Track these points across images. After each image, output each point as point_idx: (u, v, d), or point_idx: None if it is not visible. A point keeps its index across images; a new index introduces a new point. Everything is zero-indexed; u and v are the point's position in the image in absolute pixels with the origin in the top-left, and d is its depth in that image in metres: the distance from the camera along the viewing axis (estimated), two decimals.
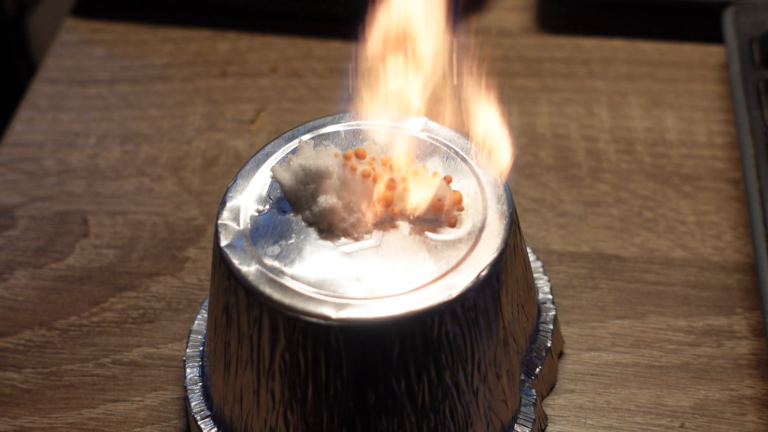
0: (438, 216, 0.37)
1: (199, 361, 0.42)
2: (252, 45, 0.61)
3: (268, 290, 0.35)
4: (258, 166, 0.39)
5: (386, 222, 0.37)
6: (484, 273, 0.35)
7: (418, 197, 0.36)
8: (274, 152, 0.40)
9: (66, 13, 0.64)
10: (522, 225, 0.48)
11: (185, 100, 0.57)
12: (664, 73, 0.57)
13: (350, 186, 0.36)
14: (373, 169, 0.37)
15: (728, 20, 0.55)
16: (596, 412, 0.42)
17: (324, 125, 0.41)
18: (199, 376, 0.41)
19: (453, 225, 0.37)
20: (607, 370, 0.43)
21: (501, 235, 0.36)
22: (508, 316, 0.37)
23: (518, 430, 0.39)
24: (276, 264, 0.35)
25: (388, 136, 0.40)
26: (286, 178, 0.37)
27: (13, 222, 0.51)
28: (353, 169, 0.37)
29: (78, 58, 0.61)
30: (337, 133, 0.40)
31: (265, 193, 0.38)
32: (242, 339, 0.36)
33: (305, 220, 0.37)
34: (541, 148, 0.53)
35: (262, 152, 0.40)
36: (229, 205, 0.38)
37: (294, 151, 0.39)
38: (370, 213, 0.36)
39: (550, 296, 0.43)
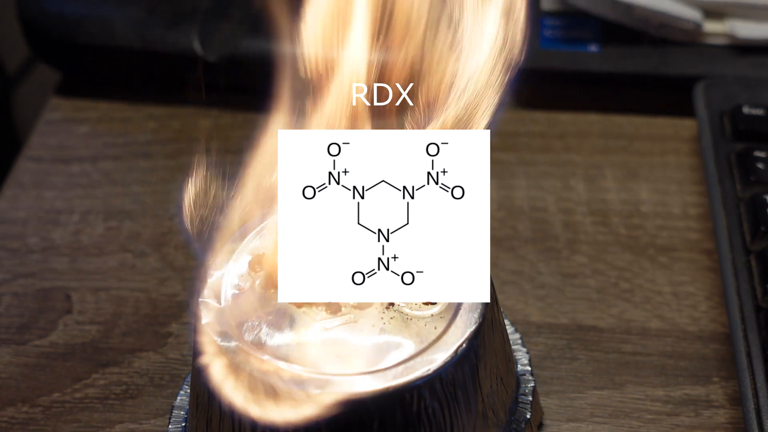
0: None
1: None
2: (234, 122, 0.62)
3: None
4: (238, 242, 0.40)
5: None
6: (462, 348, 0.36)
7: None
8: (253, 229, 0.40)
9: (50, 90, 0.65)
10: (501, 297, 0.49)
11: (168, 177, 0.58)
12: (639, 146, 0.58)
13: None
14: None
15: (699, 94, 0.56)
16: None
17: None
18: None
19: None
20: None
21: (478, 310, 0.37)
22: (486, 390, 0.38)
23: None
24: (256, 340, 0.36)
25: None
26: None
27: None
28: None
29: (62, 136, 0.61)
30: None
31: (245, 270, 0.39)
32: (224, 415, 0.36)
33: None
34: (519, 221, 0.54)
35: (242, 229, 0.41)
36: (209, 282, 0.38)
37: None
38: None
39: (529, 368, 0.44)
